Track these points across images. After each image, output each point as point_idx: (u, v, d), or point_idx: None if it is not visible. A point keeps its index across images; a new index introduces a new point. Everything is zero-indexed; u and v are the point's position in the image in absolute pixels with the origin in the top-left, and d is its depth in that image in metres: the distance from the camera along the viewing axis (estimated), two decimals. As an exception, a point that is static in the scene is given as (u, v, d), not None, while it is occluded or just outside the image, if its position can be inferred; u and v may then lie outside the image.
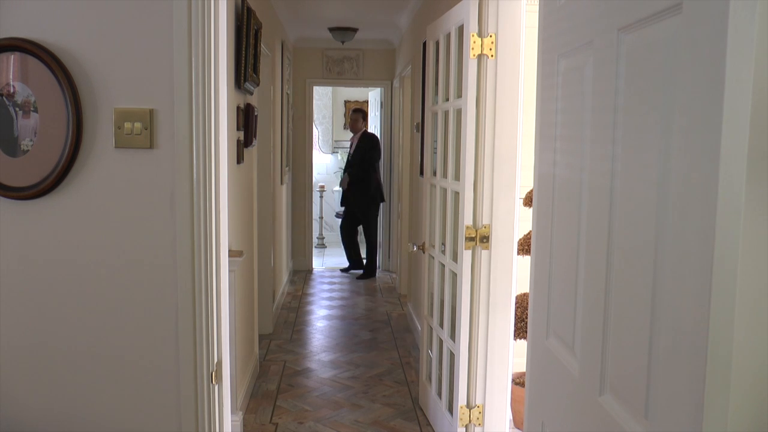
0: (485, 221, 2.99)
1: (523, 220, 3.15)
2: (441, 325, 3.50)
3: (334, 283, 7.40)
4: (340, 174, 11.36)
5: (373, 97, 8.71)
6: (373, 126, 8.75)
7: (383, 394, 4.20)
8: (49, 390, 1.99)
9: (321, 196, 9.71)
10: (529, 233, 3.32)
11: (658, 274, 1.08)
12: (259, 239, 4.87)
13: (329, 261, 8.83)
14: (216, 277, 1.98)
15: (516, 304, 3.22)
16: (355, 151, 7.50)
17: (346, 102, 10.10)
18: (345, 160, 8.07)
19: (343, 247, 7.95)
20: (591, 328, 1.36)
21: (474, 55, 2.92)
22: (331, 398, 4.12)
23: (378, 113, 8.34)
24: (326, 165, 10.13)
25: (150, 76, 1.88)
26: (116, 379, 1.98)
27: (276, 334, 5.44)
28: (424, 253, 3.86)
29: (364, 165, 7.44)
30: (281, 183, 6.29)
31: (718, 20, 0.87)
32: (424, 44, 4.67)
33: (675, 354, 1.01)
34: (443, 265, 3.44)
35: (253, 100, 4.31)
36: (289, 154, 7.11)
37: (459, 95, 3.15)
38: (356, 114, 7.64)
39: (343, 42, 6.93)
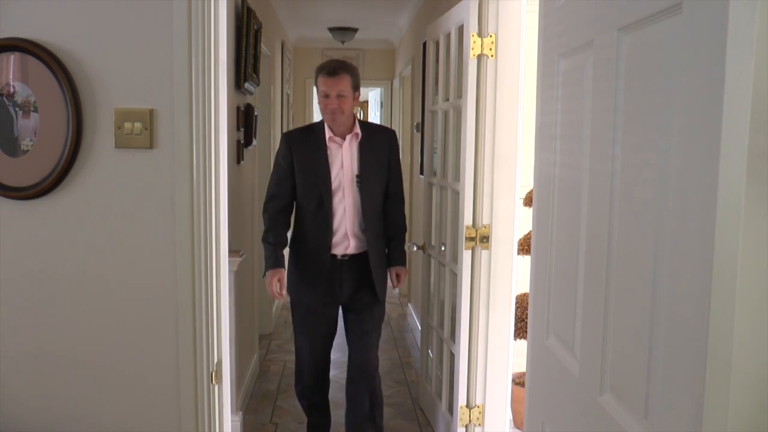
0: (485, 221, 2.98)
1: (523, 220, 3.15)
2: (441, 325, 3.50)
3: (334, 283, 7.38)
4: None
5: (373, 97, 8.71)
6: (373, 126, 8.73)
7: (383, 394, 4.19)
8: (49, 390, 1.98)
9: (321, 196, 9.68)
10: (529, 233, 3.32)
11: (658, 274, 1.07)
12: (260, 239, 4.86)
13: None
14: (216, 277, 1.98)
15: (516, 304, 3.22)
16: (368, 165, 2.97)
17: (346, 102, 10.09)
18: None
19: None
20: (591, 328, 1.36)
21: (474, 55, 2.92)
22: (331, 398, 4.11)
23: (378, 113, 8.34)
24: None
25: (150, 76, 1.88)
26: (116, 379, 1.98)
27: (276, 334, 5.44)
28: (424, 253, 3.86)
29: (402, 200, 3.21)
30: (281, 183, 6.28)
31: (718, 20, 0.87)
32: (424, 44, 4.67)
33: (675, 354, 1.01)
34: (443, 265, 3.43)
35: (253, 100, 4.31)
36: (289, 154, 7.08)
37: (459, 95, 3.15)
38: (343, 75, 2.88)
39: (343, 42, 6.93)
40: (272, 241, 3.02)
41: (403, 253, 3.15)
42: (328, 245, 2.93)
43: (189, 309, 1.93)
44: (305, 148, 2.97)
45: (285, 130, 3.10)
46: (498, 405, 3.09)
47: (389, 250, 3.10)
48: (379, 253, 3.02)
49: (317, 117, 10.89)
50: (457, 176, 3.18)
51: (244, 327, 3.88)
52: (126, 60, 1.88)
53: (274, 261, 2.99)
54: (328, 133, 2.96)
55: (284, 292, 3.01)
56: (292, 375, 4.49)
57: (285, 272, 3.03)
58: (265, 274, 3.01)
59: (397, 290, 3.37)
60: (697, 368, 0.92)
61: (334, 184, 2.93)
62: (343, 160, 2.95)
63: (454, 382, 3.17)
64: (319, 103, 2.96)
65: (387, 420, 3.80)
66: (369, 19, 6.45)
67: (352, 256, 2.96)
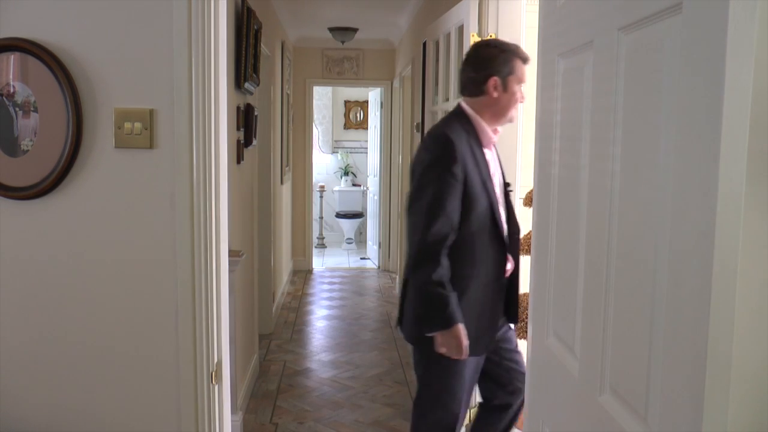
0: (485, 221, 2.98)
1: (523, 220, 3.15)
2: (441, 325, 3.49)
3: (334, 283, 7.39)
4: (340, 175, 10.76)
5: (373, 97, 8.71)
6: (373, 126, 8.74)
7: (383, 394, 4.20)
8: (49, 390, 1.98)
9: (321, 196, 9.72)
10: (529, 233, 3.31)
11: (658, 274, 1.07)
12: (259, 239, 4.87)
13: (329, 261, 8.84)
14: (216, 277, 1.98)
15: (516, 304, 3.21)
16: (504, 170, 2.53)
17: (346, 102, 10.10)
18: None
19: None
20: (591, 328, 1.36)
21: (474, 55, 2.92)
22: (331, 398, 4.12)
23: (378, 113, 8.34)
24: (326, 165, 10.13)
25: (150, 76, 1.88)
26: (116, 379, 1.98)
27: (276, 334, 5.44)
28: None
29: None
30: (281, 183, 6.29)
31: (718, 20, 0.87)
32: (424, 44, 4.67)
33: (675, 354, 1.01)
34: (443, 265, 3.42)
35: (253, 100, 4.31)
36: (289, 154, 7.10)
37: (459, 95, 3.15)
38: (517, 62, 2.31)
39: (343, 42, 6.93)
40: (451, 289, 2.24)
41: None
42: (503, 274, 2.37)
43: (189, 309, 1.93)
44: (470, 156, 2.27)
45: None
46: (498, 405, 3.08)
47: None
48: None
49: (317, 117, 10.77)
50: (457, 176, 3.17)
51: (244, 327, 3.88)
52: (126, 60, 1.88)
53: (457, 312, 2.23)
54: (491, 135, 2.34)
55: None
56: (292, 375, 4.49)
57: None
58: (441, 329, 2.24)
59: None
60: (697, 368, 0.92)
61: (498, 199, 2.36)
62: (493, 166, 2.38)
63: (454, 382, 3.16)
64: (511, 92, 2.29)
65: (387, 420, 3.80)
66: (369, 19, 6.45)
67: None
